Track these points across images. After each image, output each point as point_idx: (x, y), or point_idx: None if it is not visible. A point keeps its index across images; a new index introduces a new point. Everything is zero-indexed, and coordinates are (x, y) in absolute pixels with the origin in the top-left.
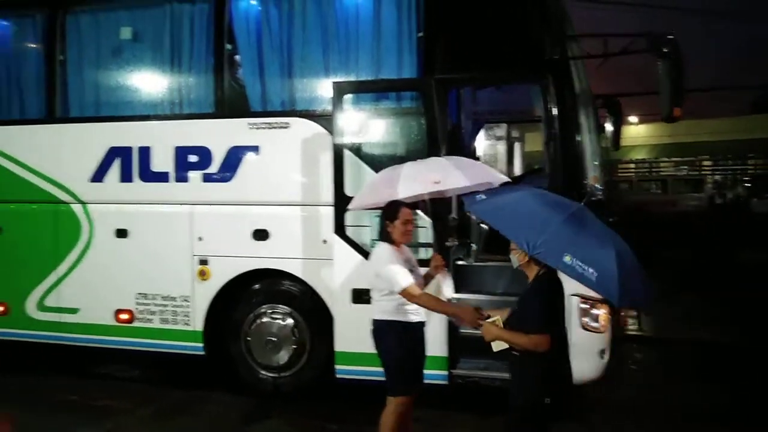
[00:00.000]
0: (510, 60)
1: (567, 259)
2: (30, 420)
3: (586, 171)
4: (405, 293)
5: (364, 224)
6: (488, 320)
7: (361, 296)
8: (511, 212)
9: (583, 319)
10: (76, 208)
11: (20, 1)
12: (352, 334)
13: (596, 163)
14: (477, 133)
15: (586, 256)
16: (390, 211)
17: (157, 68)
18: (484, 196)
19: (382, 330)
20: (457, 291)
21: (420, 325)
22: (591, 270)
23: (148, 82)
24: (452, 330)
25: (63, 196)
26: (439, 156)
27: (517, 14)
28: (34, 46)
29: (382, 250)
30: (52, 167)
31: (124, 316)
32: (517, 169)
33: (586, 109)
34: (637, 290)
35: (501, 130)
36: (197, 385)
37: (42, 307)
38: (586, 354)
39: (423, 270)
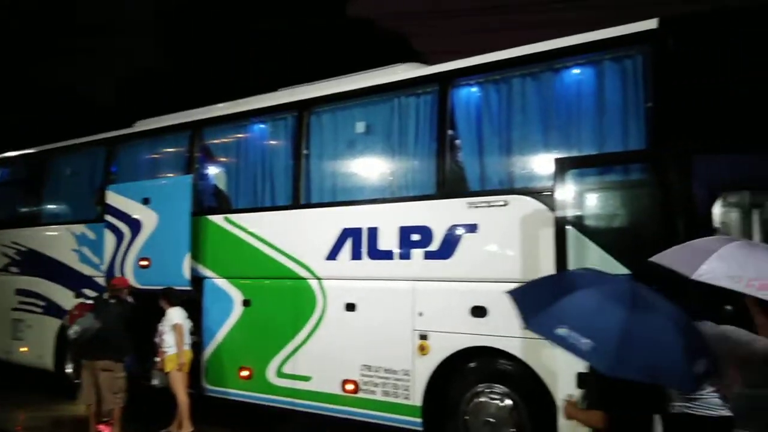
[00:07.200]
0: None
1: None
2: None
3: None
4: None
5: None
6: None
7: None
8: None
9: None
10: (313, 283)
11: (274, 106)
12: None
13: None
14: (713, 202)
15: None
16: None
17: (384, 156)
18: None
19: None
20: None
21: None
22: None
23: (377, 169)
24: None
25: (302, 272)
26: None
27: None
28: (284, 143)
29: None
30: (294, 247)
31: (349, 387)
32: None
33: None
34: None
35: (741, 197)
36: None
37: (280, 373)
38: None
39: None
